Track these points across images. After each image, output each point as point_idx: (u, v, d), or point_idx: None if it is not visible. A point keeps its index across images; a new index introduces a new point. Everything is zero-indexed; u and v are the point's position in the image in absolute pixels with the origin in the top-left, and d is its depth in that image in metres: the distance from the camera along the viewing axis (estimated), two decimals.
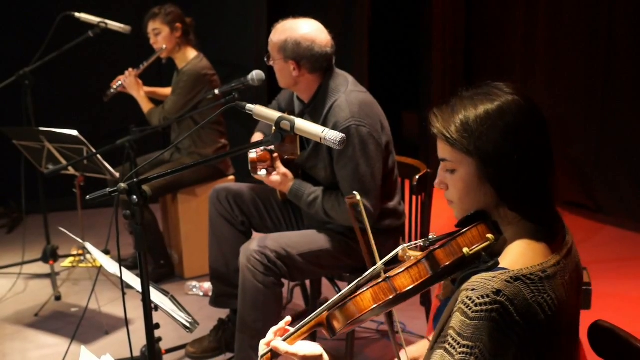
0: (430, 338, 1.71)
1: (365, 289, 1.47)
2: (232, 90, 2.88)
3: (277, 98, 3.06)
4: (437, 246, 1.46)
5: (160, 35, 3.91)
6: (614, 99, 4.71)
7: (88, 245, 2.69)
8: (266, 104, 2.67)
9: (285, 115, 1.92)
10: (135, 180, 1.82)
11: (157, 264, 4.04)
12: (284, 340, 1.59)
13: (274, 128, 1.95)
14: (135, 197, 1.81)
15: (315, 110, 2.68)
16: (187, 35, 4.00)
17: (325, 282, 3.08)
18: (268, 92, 4.87)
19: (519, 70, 5.28)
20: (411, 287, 1.45)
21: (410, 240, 3.06)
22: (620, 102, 4.68)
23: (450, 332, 1.35)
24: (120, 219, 1.94)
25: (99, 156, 3.29)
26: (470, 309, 1.32)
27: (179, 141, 3.74)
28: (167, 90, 4.22)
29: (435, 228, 3.15)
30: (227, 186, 3.03)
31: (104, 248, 3.86)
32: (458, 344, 1.33)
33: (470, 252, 1.43)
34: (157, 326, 2.11)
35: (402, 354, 1.76)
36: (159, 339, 2.46)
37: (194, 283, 3.90)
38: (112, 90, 4.08)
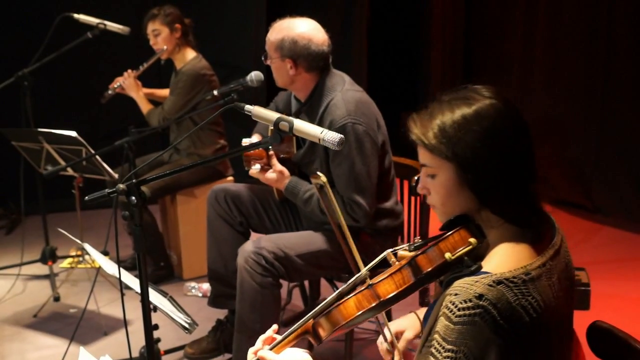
0: (418, 312, 1.71)
1: (349, 296, 1.47)
2: (231, 91, 2.88)
3: (275, 100, 3.07)
4: (419, 252, 1.46)
5: (159, 36, 3.91)
6: (613, 99, 4.71)
7: (87, 246, 2.69)
8: (265, 105, 2.67)
9: (284, 116, 1.92)
10: (134, 181, 1.82)
11: (157, 266, 4.04)
12: (271, 348, 1.58)
13: (270, 128, 1.95)
14: (133, 198, 1.81)
15: (312, 108, 2.68)
16: (186, 36, 4.00)
17: (324, 282, 3.08)
18: (267, 93, 4.87)
19: (519, 70, 5.27)
20: (394, 293, 1.45)
21: (409, 241, 3.05)
22: (620, 102, 4.68)
23: (436, 336, 1.36)
24: (119, 220, 1.95)
25: (97, 157, 3.29)
26: (453, 314, 1.32)
27: (178, 142, 3.74)
28: (165, 92, 4.22)
29: (435, 228, 3.15)
30: (225, 187, 3.03)
31: (102, 249, 3.85)
32: (443, 348, 1.33)
33: (453, 257, 1.43)
34: (156, 327, 2.11)
35: (385, 330, 1.76)
36: (158, 340, 2.46)
37: (192, 284, 3.90)
38: (110, 92, 4.08)
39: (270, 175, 2.65)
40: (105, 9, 4.63)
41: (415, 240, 1.53)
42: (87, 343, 3.31)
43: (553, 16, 4.98)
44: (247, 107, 2.05)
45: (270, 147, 2.63)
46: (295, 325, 1.57)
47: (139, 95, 4.03)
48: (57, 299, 3.80)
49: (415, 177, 2.86)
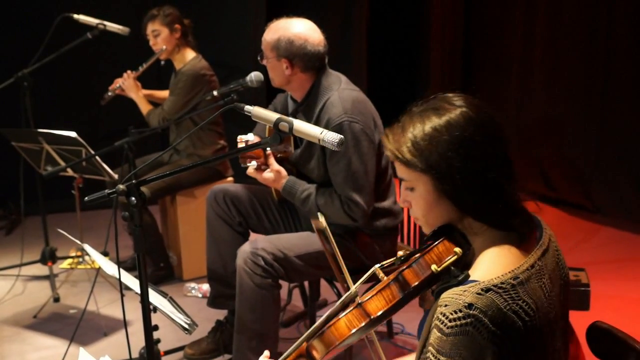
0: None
1: (340, 316, 1.47)
2: (231, 91, 2.88)
3: (273, 102, 3.07)
4: (405, 266, 1.45)
5: (159, 36, 3.91)
6: (613, 99, 4.71)
7: (87, 247, 2.69)
8: (265, 105, 2.67)
9: (284, 117, 1.93)
10: (133, 181, 1.82)
11: (157, 267, 4.04)
12: None
13: (269, 128, 1.96)
14: (133, 198, 1.81)
15: (308, 108, 2.68)
16: (186, 37, 4.00)
17: (323, 283, 3.07)
18: (267, 94, 4.87)
19: (519, 70, 5.27)
20: (384, 310, 1.44)
21: (408, 241, 3.06)
22: (619, 102, 4.68)
23: (430, 348, 1.36)
24: (119, 220, 1.94)
25: (97, 158, 3.29)
26: (445, 325, 1.32)
27: (178, 142, 3.74)
28: (164, 93, 4.22)
29: None
30: (224, 187, 3.03)
31: (102, 250, 3.85)
32: None
33: (439, 269, 1.43)
34: (156, 328, 2.11)
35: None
36: (158, 341, 2.45)
37: (192, 284, 3.90)
38: (109, 94, 4.08)
39: (268, 174, 2.65)
40: (105, 10, 4.63)
41: (401, 254, 1.53)
42: (87, 344, 3.31)
43: (553, 16, 4.98)
44: (247, 107, 2.05)
45: (269, 147, 2.63)
46: (290, 350, 1.57)
47: (139, 96, 4.03)
48: (57, 299, 3.79)
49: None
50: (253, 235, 2.99)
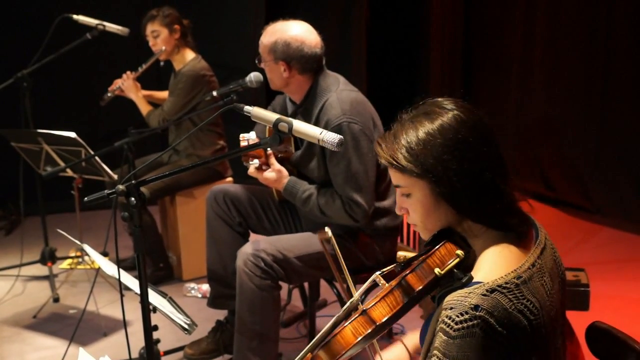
0: (405, 341, 1.71)
1: (345, 324, 1.46)
2: (230, 92, 2.87)
3: (272, 104, 3.07)
4: (408, 271, 1.45)
5: (158, 37, 3.91)
6: (613, 99, 4.71)
7: (86, 247, 2.69)
8: (264, 106, 2.67)
9: (284, 117, 1.93)
10: (133, 182, 1.82)
11: (156, 267, 4.04)
12: None
13: (268, 128, 1.96)
14: (133, 199, 1.81)
15: (307, 110, 2.68)
16: (185, 37, 4.00)
17: (323, 283, 3.08)
18: (266, 94, 4.87)
19: (518, 70, 5.27)
20: (389, 316, 1.44)
21: (408, 241, 3.06)
22: (619, 102, 4.68)
23: (436, 352, 1.35)
24: (118, 221, 1.94)
25: (97, 158, 3.29)
26: (451, 328, 1.32)
27: (177, 143, 3.74)
28: (164, 94, 4.22)
29: None
30: (224, 187, 3.03)
31: (102, 250, 3.85)
32: None
33: (442, 272, 1.43)
34: (156, 328, 2.10)
35: (377, 358, 1.75)
36: (157, 341, 2.45)
37: (192, 285, 3.90)
38: (109, 95, 4.08)
39: (269, 174, 2.65)
40: (105, 10, 4.63)
41: (402, 260, 1.53)
42: (87, 344, 3.31)
43: (553, 16, 4.98)
44: (247, 108, 2.05)
45: (269, 147, 2.63)
46: None
47: (138, 96, 4.03)
48: (56, 299, 3.79)
49: None
50: (253, 236, 2.99)
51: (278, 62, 2.63)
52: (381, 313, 1.44)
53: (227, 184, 3.49)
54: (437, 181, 1.41)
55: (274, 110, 3.01)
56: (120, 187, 1.81)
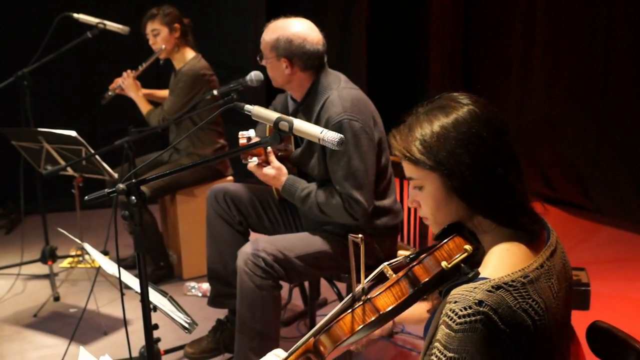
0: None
1: (348, 311, 1.47)
2: (231, 90, 2.88)
3: (273, 103, 3.07)
4: (415, 262, 1.45)
5: (159, 35, 3.91)
6: (613, 99, 4.71)
7: (87, 246, 2.69)
8: (265, 105, 2.67)
9: (284, 116, 1.93)
10: (133, 180, 1.82)
11: (157, 266, 4.04)
12: None
13: (269, 127, 1.96)
14: (133, 197, 1.81)
15: (308, 107, 2.68)
16: (186, 36, 4.00)
17: (324, 282, 3.08)
18: (267, 93, 4.87)
19: (518, 70, 5.27)
20: (393, 306, 1.44)
21: (408, 240, 3.06)
22: (619, 102, 4.68)
23: (437, 344, 1.35)
24: (119, 219, 1.95)
25: (97, 157, 3.29)
26: (454, 322, 1.32)
27: (178, 142, 3.75)
28: (164, 92, 4.22)
29: None
30: (224, 186, 3.03)
31: (102, 249, 3.85)
32: (444, 356, 1.33)
33: (449, 266, 1.43)
34: (156, 327, 2.10)
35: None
36: (158, 340, 2.45)
37: (192, 284, 3.90)
38: (109, 93, 4.08)
39: (268, 171, 2.65)
40: (105, 9, 4.62)
41: (410, 252, 1.53)
42: (87, 343, 3.31)
43: (553, 16, 4.98)
44: (247, 106, 2.05)
45: (269, 146, 2.63)
46: (296, 345, 1.57)
47: (138, 95, 4.03)
48: (57, 298, 3.80)
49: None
50: (253, 235, 2.99)
51: (280, 59, 2.63)
52: (385, 303, 1.45)
53: (228, 183, 3.50)
54: (449, 174, 1.42)
55: (275, 109, 3.01)
56: (121, 185, 1.81)
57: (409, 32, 6.33)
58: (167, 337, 3.19)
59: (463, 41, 5.86)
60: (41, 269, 4.09)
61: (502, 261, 1.40)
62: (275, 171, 2.65)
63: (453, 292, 1.35)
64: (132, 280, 2.44)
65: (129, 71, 4.03)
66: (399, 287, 1.45)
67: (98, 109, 4.42)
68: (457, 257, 1.44)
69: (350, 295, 1.54)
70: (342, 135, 1.87)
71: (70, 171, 3.50)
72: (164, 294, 2.50)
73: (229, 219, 2.96)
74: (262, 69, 2.84)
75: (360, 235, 1.54)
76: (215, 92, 3.09)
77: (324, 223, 2.75)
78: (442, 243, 1.46)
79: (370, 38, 5.85)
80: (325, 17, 5.33)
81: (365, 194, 2.58)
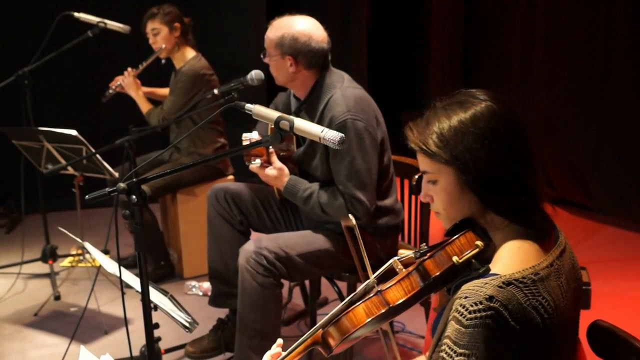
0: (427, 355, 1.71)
1: (357, 304, 1.47)
2: (231, 90, 2.87)
3: (274, 102, 3.07)
4: (426, 257, 1.45)
5: (159, 35, 3.91)
6: (613, 99, 4.71)
7: (87, 245, 2.69)
8: (265, 104, 2.67)
9: (285, 115, 1.92)
10: (134, 180, 1.82)
11: (157, 265, 4.04)
12: None
13: (271, 127, 1.95)
14: (134, 196, 1.81)
15: (312, 106, 2.68)
16: (186, 35, 4.00)
17: (324, 281, 3.08)
18: (267, 92, 4.87)
19: (518, 70, 5.28)
20: (403, 299, 1.44)
21: (409, 240, 3.06)
22: (619, 102, 4.69)
23: (446, 341, 1.34)
24: (120, 218, 1.95)
25: (98, 156, 3.28)
26: (464, 317, 1.31)
27: (178, 141, 3.75)
28: (165, 91, 4.21)
29: (434, 228, 3.15)
30: (225, 186, 3.03)
31: (103, 248, 3.86)
32: (455, 352, 1.32)
33: (460, 261, 1.43)
34: (157, 326, 2.11)
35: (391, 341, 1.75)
36: (159, 339, 2.45)
37: (193, 283, 3.90)
38: (110, 91, 4.08)
39: (270, 171, 2.65)
40: (106, 8, 4.63)
41: (421, 247, 1.53)
42: (88, 342, 3.31)
43: (553, 16, 4.98)
44: (248, 105, 2.05)
45: (270, 145, 2.63)
46: (305, 336, 1.57)
47: (138, 94, 4.03)
48: (57, 297, 3.80)
49: (416, 176, 2.87)
50: (254, 234, 2.99)
51: (285, 57, 2.63)
52: (395, 296, 1.45)
53: (229, 182, 3.50)
54: (464, 169, 1.42)
55: (276, 107, 3.01)
56: (122, 185, 1.81)
57: (409, 32, 6.34)
58: (167, 336, 3.19)
59: (463, 41, 5.86)
60: (42, 268, 4.09)
61: (513, 258, 1.40)
62: (277, 172, 2.65)
63: (463, 287, 1.35)
64: (132, 279, 2.44)
65: (129, 69, 4.03)
66: (409, 281, 1.45)
67: (99, 108, 4.43)
68: (468, 252, 1.44)
69: (360, 287, 1.54)
70: (342, 135, 1.87)
71: (70, 170, 3.50)
72: (165, 293, 2.50)
73: (230, 219, 2.96)
74: (263, 68, 2.83)
75: (351, 217, 1.55)
76: (215, 91, 3.09)
77: (325, 222, 2.75)
78: (453, 238, 1.46)
79: (370, 38, 5.85)
80: (325, 17, 5.31)
81: (368, 193, 2.58)
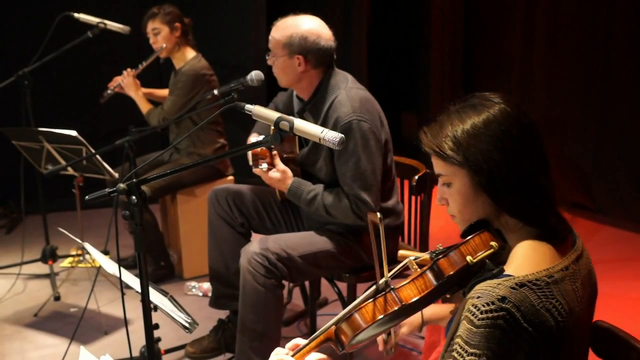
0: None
1: (370, 300, 1.47)
2: (231, 90, 2.87)
3: (274, 101, 3.06)
4: (440, 256, 1.46)
5: (159, 34, 3.91)
6: (613, 99, 4.71)
7: (87, 246, 2.69)
8: (265, 104, 2.67)
9: (285, 116, 1.92)
10: (134, 180, 1.82)
11: (157, 265, 4.04)
12: (294, 355, 1.58)
13: (272, 128, 1.95)
14: (134, 197, 1.81)
15: (316, 107, 2.67)
16: (186, 35, 4.00)
17: (324, 282, 3.08)
18: (267, 93, 4.87)
19: (518, 70, 5.28)
20: (417, 298, 1.45)
21: (409, 241, 3.06)
22: (619, 102, 4.69)
23: (458, 340, 1.35)
24: (120, 219, 1.95)
25: (98, 156, 3.29)
26: (476, 317, 1.31)
27: (178, 141, 3.75)
28: (164, 92, 4.21)
29: (435, 228, 3.16)
30: (226, 187, 3.03)
31: (103, 248, 3.86)
32: (466, 352, 1.33)
33: (474, 261, 1.43)
34: (157, 326, 2.11)
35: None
36: (158, 339, 2.46)
37: (193, 283, 3.90)
38: (108, 92, 4.07)
39: (274, 174, 2.64)
40: (106, 8, 4.63)
41: (437, 248, 1.53)
42: (88, 342, 3.31)
43: (553, 16, 4.98)
44: (248, 106, 2.05)
45: (272, 146, 2.62)
46: (318, 332, 1.57)
47: (138, 94, 4.03)
48: (57, 298, 3.80)
49: (416, 177, 2.87)
50: (255, 236, 2.98)
51: (293, 57, 2.62)
52: (409, 294, 1.45)
53: (229, 184, 3.50)
54: (477, 170, 1.43)
55: (276, 107, 3.01)
56: (122, 185, 1.80)
57: (409, 32, 6.33)
58: (167, 336, 3.19)
59: (463, 41, 5.86)
60: (42, 268, 4.08)
61: (527, 259, 1.40)
62: (280, 174, 2.64)
63: (476, 287, 1.35)
64: (132, 280, 2.44)
65: (129, 70, 4.03)
66: (423, 280, 1.46)
67: (98, 108, 4.43)
68: (482, 252, 1.45)
69: (373, 283, 1.54)
70: (342, 135, 1.87)
71: (70, 171, 3.50)
72: (165, 293, 2.50)
73: (231, 220, 2.96)
74: (263, 69, 2.83)
75: (378, 214, 1.55)
76: (215, 91, 3.09)
77: (327, 223, 2.75)
78: (468, 238, 1.47)
79: (370, 38, 5.85)
80: (325, 17, 5.32)
81: (373, 194, 2.58)
